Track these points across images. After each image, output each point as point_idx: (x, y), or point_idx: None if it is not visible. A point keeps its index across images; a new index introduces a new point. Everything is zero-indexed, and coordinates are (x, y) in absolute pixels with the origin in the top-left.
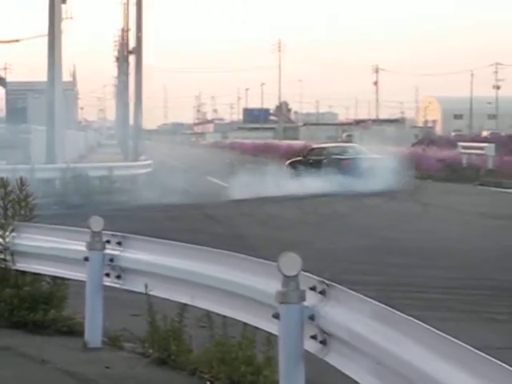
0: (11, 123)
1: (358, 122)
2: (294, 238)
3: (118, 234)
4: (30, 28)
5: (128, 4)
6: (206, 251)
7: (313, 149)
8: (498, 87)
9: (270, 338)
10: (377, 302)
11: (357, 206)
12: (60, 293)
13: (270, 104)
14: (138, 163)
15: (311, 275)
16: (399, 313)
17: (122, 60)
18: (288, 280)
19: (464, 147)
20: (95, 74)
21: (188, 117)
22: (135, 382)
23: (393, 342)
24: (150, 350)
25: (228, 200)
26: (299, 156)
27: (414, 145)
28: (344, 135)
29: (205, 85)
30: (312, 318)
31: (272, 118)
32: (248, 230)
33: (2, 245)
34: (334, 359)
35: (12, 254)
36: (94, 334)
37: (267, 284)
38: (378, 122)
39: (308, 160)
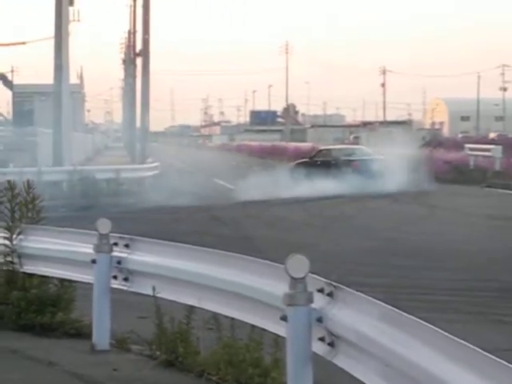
0: (18, 126)
1: (365, 124)
2: (300, 239)
3: (126, 236)
4: (36, 30)
5: (135, 6)
6: (213, 253)
7: (320, 150)
8: (504, 89)
9: (278, 340)
10: (384, 304)
11: (363, 208)
12: (67, 295)
13: (278, 106)
14: (145, 165)
15: (319, 277)
16: (407, 315)
17: (128, 62)
18: (295, 282)
19: (471, 149)
20: (102, 76)
21: (195, 119)
22: None
23: (401, 344)
24: (158, 352)
25: (235, 202)
26: (306, 158)
27: (421, 146)
28: (351, 137)
29: (212, 87)
30: (320, 320)
31: (279, 120)
32: (255, 232)
33: (10, 247)
34: (342, 361)
35: (19, 256)
36: (101, 336)
37: (275, 286)
38: (385, 123)
39: (315, 162)
